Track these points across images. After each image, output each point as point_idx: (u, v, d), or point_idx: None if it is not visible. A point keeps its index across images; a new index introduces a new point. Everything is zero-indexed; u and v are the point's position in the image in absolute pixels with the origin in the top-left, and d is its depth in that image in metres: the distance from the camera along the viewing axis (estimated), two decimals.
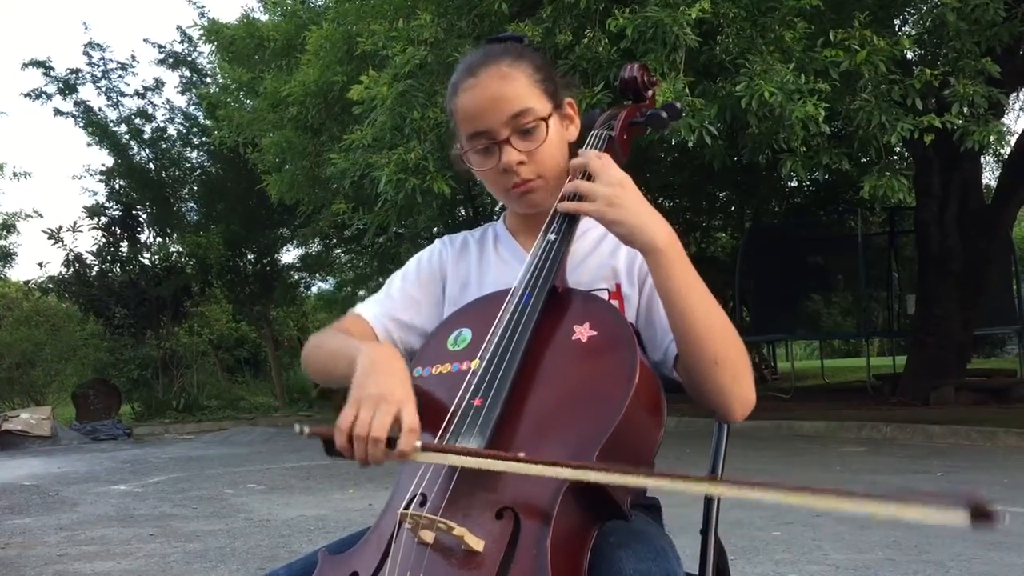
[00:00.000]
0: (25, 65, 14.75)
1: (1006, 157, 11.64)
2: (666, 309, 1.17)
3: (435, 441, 1.06)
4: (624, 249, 1.31)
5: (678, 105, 1.43)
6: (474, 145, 1.30)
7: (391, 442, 1.02)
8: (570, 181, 1.21)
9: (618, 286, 1.31)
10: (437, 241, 1.48)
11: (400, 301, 1.39)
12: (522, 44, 1.37)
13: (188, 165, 16.33)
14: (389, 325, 1.36)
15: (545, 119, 1.29)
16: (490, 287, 1.32)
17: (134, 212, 15.69)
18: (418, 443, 1.03)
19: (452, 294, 1.39)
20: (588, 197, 1.16)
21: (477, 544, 0.97)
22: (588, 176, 1.20)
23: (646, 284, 1.29)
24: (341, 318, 1.40)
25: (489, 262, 1.40)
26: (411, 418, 1.04)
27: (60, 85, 14.84)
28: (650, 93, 1.46)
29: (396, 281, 1.43)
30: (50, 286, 15.95)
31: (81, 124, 15.19)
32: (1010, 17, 6.49)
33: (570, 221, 1.25)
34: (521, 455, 1.00)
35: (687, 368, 1.18)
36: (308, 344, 1.34)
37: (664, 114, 1.39)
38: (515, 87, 1.28)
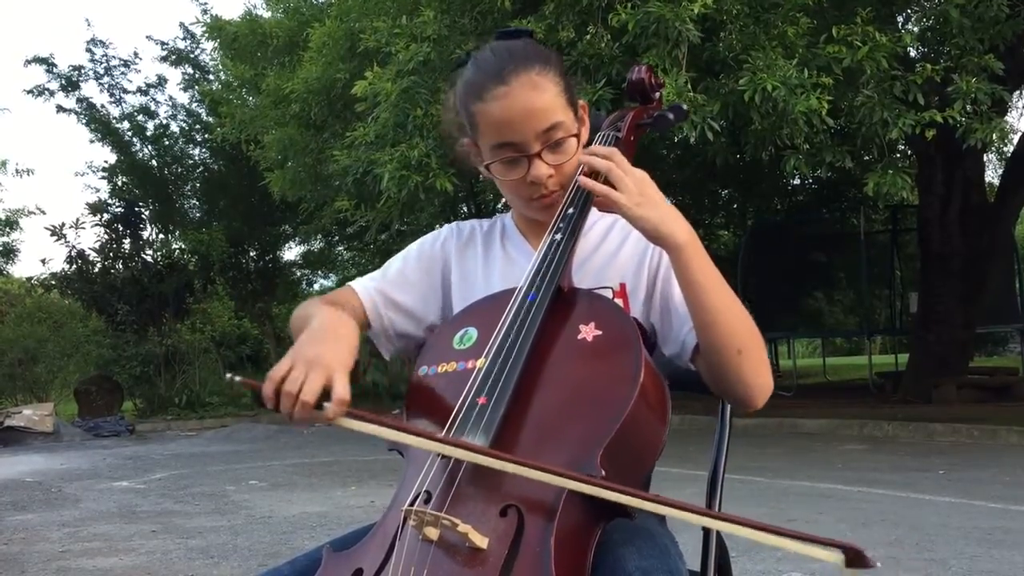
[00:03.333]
0: (28, 62, 14.74)
1: (1009, 155, 11.63)
2: (689, 303, 1.18)
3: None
4: (629, 247, 1.31)
5: (684, 106, 1.44)
6: (500, 155, 1.28)
7: (318, 405, 1.05)
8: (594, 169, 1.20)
9: (623, 285, 1.31)
10: (445, 226, 1.47)
11: (394, 280, 1.39)
12: (537, 43, 1.35)
13: (191, 162, 16.32)
14: (377, 298, 1.36)
15: (577, 135, 1.28)
16: (496, 284, 1.32)
17: (137, 209, 15.67)
18: (343, 409, 1.05)
19: (455, 287, 1.39)
20: (618, 187, 1.15)
21: (481, 541, 0.97)
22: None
23: (659, 279, 1.29)
24: (335, 291, 1.41)
25: (496, 258, 1.39)
26: (341, 388, 1.06)
27: (63, 82, 14.81)
28: (657, 95, 1.46)
29: (396, 261, 1.43)
30: (53, 283, 15.95)
31: (84, 121, 15.17)
32: (1013, 15, 6.48)
33: (576, 220, 1.25)
34: (439, 435, 1.05)
35: (709, 359, 1.19)
36: (295, 313, 1.35)
37: (671, 115, 1.40)
38: (546, 98, 1.25)
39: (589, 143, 1.36)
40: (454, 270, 1.40)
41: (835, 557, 0.88)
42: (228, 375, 1.12)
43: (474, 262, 1.40)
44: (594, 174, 1.19)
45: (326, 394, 1.05)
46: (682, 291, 1.18)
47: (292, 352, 1.10)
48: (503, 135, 1.26)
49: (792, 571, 3.56)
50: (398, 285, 1.38)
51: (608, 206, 1.17)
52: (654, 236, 1.15)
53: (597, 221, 1.35)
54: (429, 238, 1.45)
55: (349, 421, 1.06)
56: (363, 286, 1.38)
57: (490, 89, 1.25)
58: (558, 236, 1.23)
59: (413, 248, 1.44)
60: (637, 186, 1.15)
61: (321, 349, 1.09)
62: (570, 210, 1.26)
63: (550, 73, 1.27)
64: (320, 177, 9.62)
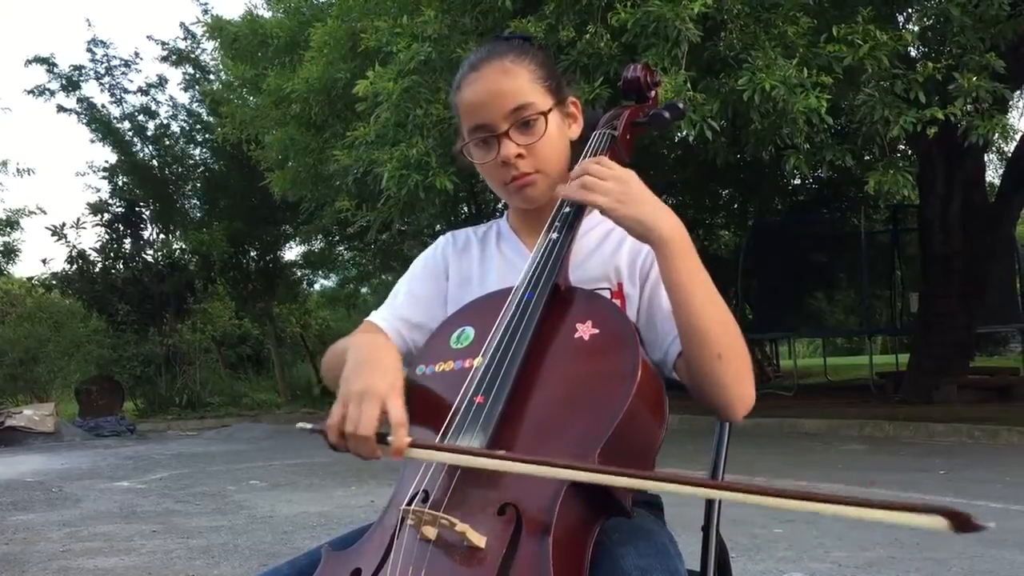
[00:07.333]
0: (28, 62, 14.77)
1: (1010, 154, 11.62)
2: (672, 302, 1.17)
3: (437, 439, 1.07)
4: (626, 248, 1.31)
5: (681, 104, 1.43)
6: (474, 138, 1.31)
7: (382, 437, 1.02)
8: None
9: (620, 285, 1.30)
10: (440, 237, 1.48)
11: (406, 302, 1.40)
12: (528, 42, 1.37)
13: (191, 162, 16.34)
14: (399, 326, 1.36)
15: (544, 113, 1.29)
16: (492, 285, 1.32)
17: (137, 209, 15.70)
18: (407, 438, 1.03)
19: (452, 290, 1.39)
20: (597, 191, 1.16)
21: (479, 540, 0.97)
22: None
23: (648, 283, 1.28)
24: (357, 329, 1.40)
25: (492, 260, 1.40)
26: (397, 412, 1.03)
27: (63, 82, 14.85)
28: (653, 93, 1.46)
29: (403, 283, 1.44)
30: (54, 282, 15.98)
31: (84, 121, 15.20)
32: (1015, 14, 6.47)
33: (573, 219, 1.25)
34: (501, 453, 1.01)
35: (689, 364, 1.17)
36: (324, 357, 1.35)
37: (667, 114, 1.39)
38: (517, 82, 1.28)
39: (585, 141, 1.36)
40: (451, 276, 1.41)
41: (938, 523, 0.81)
42: (299, 425, 1.10)
43: (470, 266, 1.41)
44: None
45: (387, 421, 1.03)
46: (666, 289, 1.17)
47: (341, 391, 1.07)
48: (475, 117, 1.30)
49: (793, 571, 3.56)
50: (411, 306, 1.39)
51: (592, 206, 1.18)
52: (638, 232, 1.16)
53: (599, 223, 1.35)
54: (428, 251, 1.46)
55: (417, 451, 1.03)
56: (382, 317, 1.38)
57: (465, 78, 1.32)
58: (555, 235, 1.23)
59: (417, 265, 1.45)
60: (619, 185, 1.15)
61: (367, 379, 1.07)
62: (566, 209, 1.26)
63: (525, 61, 1.31)
64: (321, 177, 9.62)
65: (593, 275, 1.30)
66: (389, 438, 1.02)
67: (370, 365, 1.10)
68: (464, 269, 1.40)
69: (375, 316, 1.39)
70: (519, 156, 1.28)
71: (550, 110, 1.30)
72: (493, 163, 1.30)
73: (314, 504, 5.53)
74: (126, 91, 15.40)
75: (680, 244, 1.15)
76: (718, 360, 1.14)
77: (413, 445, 1.03)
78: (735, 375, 1.15)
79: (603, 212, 1.17)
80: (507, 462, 0.98)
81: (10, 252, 18.55)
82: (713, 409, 1.20)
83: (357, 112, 7.64)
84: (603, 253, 1.34)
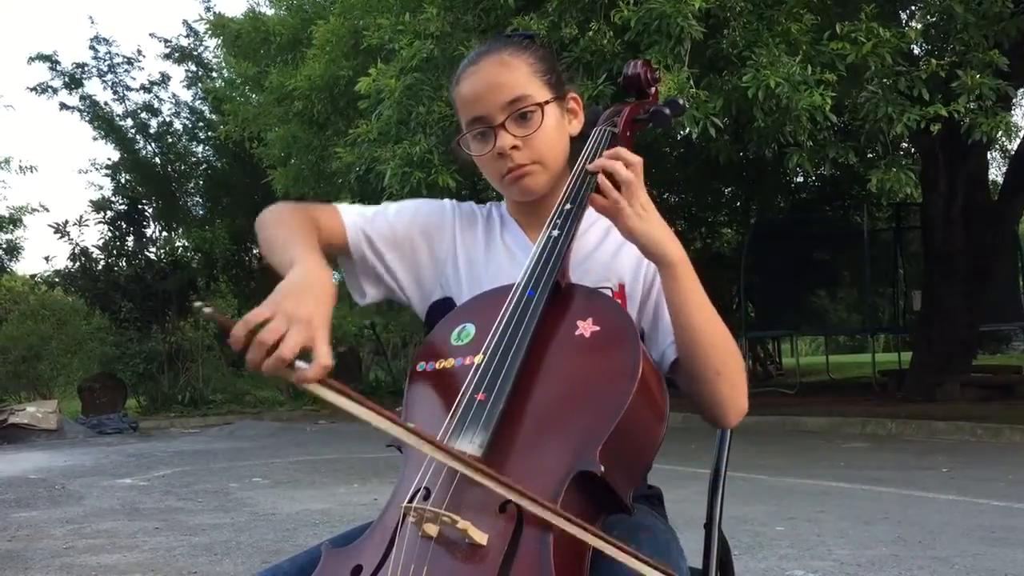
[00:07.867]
0: (31, 59, 14.78)
1: (1013, 152, 11.61)
2: (673, 321, 1.21)
3: (438, 436, 1.06)
4: (629, 249, 1.30)
5: (681, 101, 1.42)
6: (472, 130, 1.32)
7: (291, 363, 0.98)
8: (621, 167, 1.17)
9: (621, 285, 1.31)
10: (446, 201, 1.44)
11: (383, 228, 1.36)
12: (530, 40, 1.37)
13: (194, 159, 16.35)
14: (361, 237, 1.34)
15: (541, 105, 1.29)
16: (496, 275, 1.31)
17: (140, 206, 15.71)
18: (322, 375, 0.99)
19: (463, 267, 1.37)
20: (629, 198, 1.16)
21: (481, 537, 0.97)
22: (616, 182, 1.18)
23: (654, 287, 1.29)
24: (319, 205, 1.36)
25: (496, 248, 1.38)
26: (325, 353, 1.00)
27: (66, 79, 14.85)
28: (653, 90, 1.45)
29: (391, 209, 1.40)
30: (56, 280, 16.00)
31: (87, 118, 15.22)
32: (1018, 11, 6.46)
33: (574, 217, 1.24)
34: (410, 425, 1.02)
35: (689, 376, 1.22)
36: (271, 211, 1.29)
37: (667, 110, 1.39)
38: (514, 74, 1.29)
39: (585, 138, 1.36)
40: (460, 252, 1.38)
41: None
42: (197, 303, 1.03)
43: (476, 247, 1.39)
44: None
45: (302, 355, 0.99)
46: (668, 308, 1.21)
47: (273, 300, 1.02)
48: (473, 110, 1.30)
49: (795, 569, 3.56)
50: (385, 236, 1.36)
51: (609, 211, 1.17)
52: (651, 251, 1.18)
53: (597, 221, 1.35)
54: (433, 208, 1.42)
55: (321, 388, 0.99)
56: (351, 219, 1.35)
57: (464, 71, 1.32)
58: (555, 232, 1.22)
59: (412, 205, 1.42)
60: (643, 200, 1.17)
61: (306, 307, 1.02)
62: (567, 206, 1.25)
63: (524, 55, 1.31)
64: (323, 174, 9.61)
65: (594, 274, 1.30)
66: (299, 364, 0.98)
67: (313, 297, 1.06)
68: (470, 249, 1.39)
69: (347, 212, 1.36)
70: (515, 148, 1.28)
71: (547, 103, 1.30)
72: (490, 155, 1.30)
73: (316, 502, 5.53)
74: (129, 88, 15.43)
75: (686, 266, 1.18)
76: (716, 375, 1.20)
77: (324, 384, 0.99)
78: (731, 388, 1.21)
79: (621, 222, 1.16)
80: (396, 428, 1.00)
81: (13, 249, 18.56)
82: (709, 417, 1.25)
83: (359, 110, 7.64)
84: (604, 253, 1.34)
